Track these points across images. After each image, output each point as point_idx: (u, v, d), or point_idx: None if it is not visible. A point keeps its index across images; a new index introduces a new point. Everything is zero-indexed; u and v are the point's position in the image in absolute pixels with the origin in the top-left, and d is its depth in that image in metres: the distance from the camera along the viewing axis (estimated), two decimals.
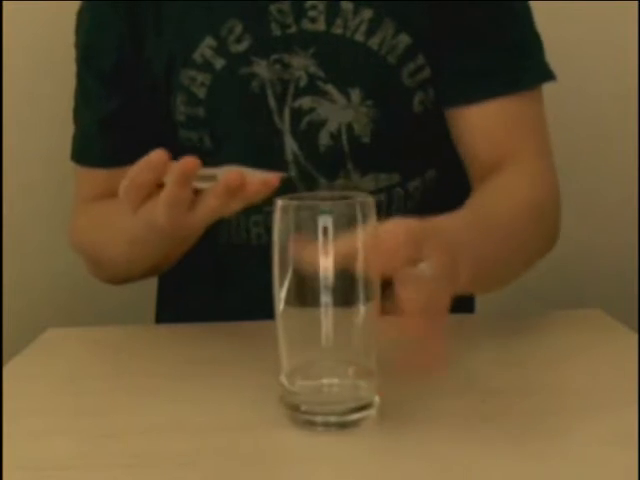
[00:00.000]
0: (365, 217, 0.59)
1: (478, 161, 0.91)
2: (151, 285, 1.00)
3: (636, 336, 0.79)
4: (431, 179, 0.94)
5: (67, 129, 0.98)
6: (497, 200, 0.83)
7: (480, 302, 1.05)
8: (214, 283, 0.97)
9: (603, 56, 1.20)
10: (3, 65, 1.23)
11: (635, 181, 1.26)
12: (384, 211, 0.92)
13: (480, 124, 0.90)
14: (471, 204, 0.82)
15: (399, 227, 0.60)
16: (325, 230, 0.58)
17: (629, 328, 0.82)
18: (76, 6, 0.96)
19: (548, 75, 0.93)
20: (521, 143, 0.90)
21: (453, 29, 0.90)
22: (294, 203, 0.58)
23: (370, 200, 0.59)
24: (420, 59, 0.89)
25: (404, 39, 0.89)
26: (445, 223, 0.67)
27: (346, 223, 0.58)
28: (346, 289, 0.58)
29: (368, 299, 0.59)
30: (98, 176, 0.95)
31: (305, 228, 0.58)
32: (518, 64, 0.91)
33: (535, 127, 0.92)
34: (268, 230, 0.89)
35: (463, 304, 1.01)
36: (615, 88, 1.25)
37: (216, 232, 0.95)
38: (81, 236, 0.95)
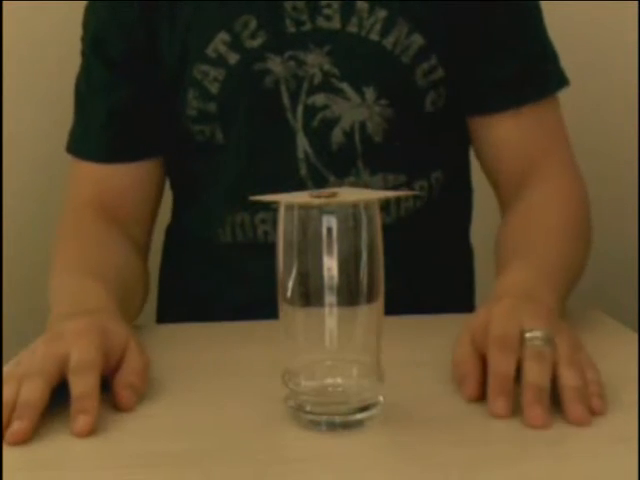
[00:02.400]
0: (369, 217, 0.59)
1: (503, 172, 0.94)
2: (152, 284, 1.00)
3: (636, 336, 0.79)
4: (437, 179, 0.94)
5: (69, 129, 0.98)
6: (537, 229, 0.86)
7: (480, 302, 1.04)
8: (217, 282, 0.97)
9: (603, 56, 1.20)
10: (3, 65, 1.22)
11: (635, 181, 1.26)
12: (393, 208, 0.92)
13: (504, 135, 0.92)
14: (513, 240, 0.86)
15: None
16: (329, 230, 0.58)
17: (629, 328, 0.82)
18: (76, 6, 0.96)
19: (565, 80, 0.94)
20: (547, 152, 0.92)
21: (474, 39, 0.91)
22: (298, 202, 0.58)
23: (374, 201, 0.59)
24: (433, 59, 0.90)
25: (417, 39, 0.89)
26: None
27: (350, 223, 0.58)
28: (350, 289, 0.58)
29: (372, 299, 0.59)
30: (95, 172, 0.94)
31: (309, 227, 0.58)
32: (540, 72, 0.93)
33: (558, 133, 0.94)
34: (275, 227, 0.89)
35: (463, 304, 1.02)
36: (615, 88, 1.25)
37: (218, 233, 0.94)
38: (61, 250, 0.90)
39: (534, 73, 0.92)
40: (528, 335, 0.65)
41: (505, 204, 0.94)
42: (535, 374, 0.62)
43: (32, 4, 1.21)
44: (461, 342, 0.68)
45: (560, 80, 0.94)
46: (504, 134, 0.92)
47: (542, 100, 0.92)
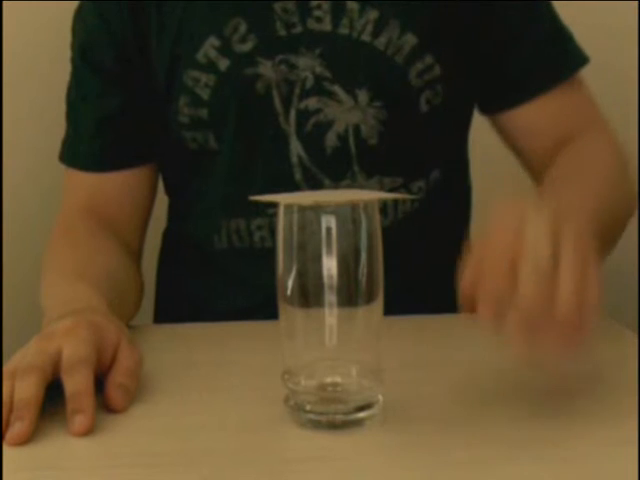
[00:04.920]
0: (369, 217, 0.59)
1: (535, 154, 0.93)
2: (150, 285, 1.00)
3: (636, 336, 0.79)
4: (435, 179, 0.94)
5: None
6: (579, 164, 0.83)
7: None
8: (214, 287, 0.97)
9: (603, 57, 1.20)
10: (3, 65, 1.22)
11: (635, 181, 1.26)
12: (390, 211, 0.92)
13: (531, 121, 0.91)
14: (553, 174, 0.83)
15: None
16: (328, 230, 0.58)
17: (629, 329, 0.82)
18: (76, 6, 0.96)
19: (584, 58, 0.94)
20: (580, 125, 0.91)
21: (476, 35, 0.90)
22: (298, 202, 0.58)
23: (374, 201, 0.59)
24: (428, 59, 0.89)
25: (410, 39, 0.89)
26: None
27: (350, 223, 0.58)
28: (350, 288, 0.59)
29: (372, 299, 0.59)
30: (87, 180, 0.94)
31: (309, 228, 0.58)
32: (556, 54, 0.92)
33: (589, 108, 0.93)
34: (272, 233, 0.89)
35: None
36: (615, 88, 1.25)
37: (213, 239, 0.94)
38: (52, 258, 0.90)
39: (550, 57, 0.92)
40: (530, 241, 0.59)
41: (539, 180, 0.93)
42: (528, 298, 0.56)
43: (32, 4, 1.21)
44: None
45: (578, 59, 0.94)
46: (530, 121, 0.92)
47: (564, 81, 0.92)
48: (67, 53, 0.97)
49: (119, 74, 0.92)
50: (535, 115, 0.92)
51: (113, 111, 0.93)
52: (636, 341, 0.78)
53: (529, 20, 0.92)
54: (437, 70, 0.90)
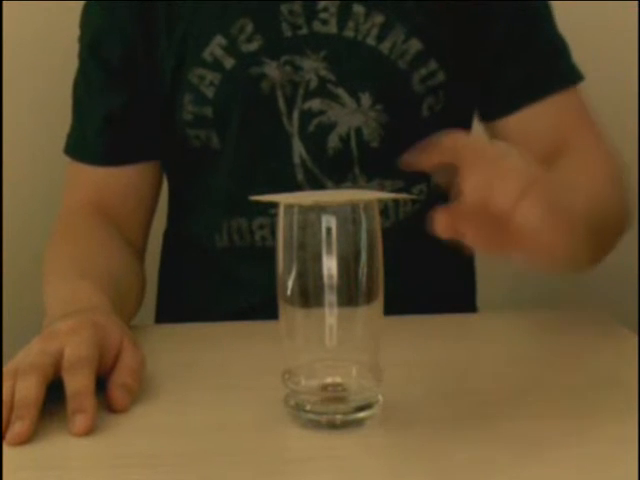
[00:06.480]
0: (369, 218, 0.59)
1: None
2: (151, 285, 1.00)
3: (636, 337, 0.79)
4: (437, 182, 0.94)
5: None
6: (575, 172, 0.82)
7: (481, 302, 1.05)
8: (214, 287, 0.97)
9: (603, 56, 1.21)
10: (3, 65, 1.22)
11: (635, 181, 1.26)
12: (392, 212, 0.92)
13: (525, 130, 0.92)
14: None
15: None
16: (329, 230, 0.58)
17: (629, 329, 0.82)
18: (76, 5, 0.96)
19: (579, 75, 0.95)
20: (572, 136, 0.91)
21: (478, 43, 0.91)
22: (298, 202, 0.58)
23: (374, 201, 0.59)
24: (432, 64, 0.90)
25: (415, 44, 0.89)
26: None
27: (350, 223, 0.58)
28: (350, 288, 0.59)
29: (372, 299, 0.59)
30: (92, 175, 0.94)
31: (309, 228, 0.58)
32: (551, 69, 0.93)
33: (582, 119, 0.93)
34: (273, 233, 0.89)
35: (464, 304, 1.02)
36: (615, 88, 1.26)
37: (214, 238, 0.94)
38: (52, 257, 0.89)
39: (545, 71, 0.92)
40: None
41: None
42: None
43: (32, 3, 1.21)
44: None
45: (572, 76, 0.94)
46: (521, 130, 0.92)
47: (557, 91, 0.92)
48: (67, 49, 0.97)
49: (126, 70, 0.92)
50: (527, 124, 0.92)
51: (118, 107, 0.93)
52: (636, 341, 0.78)
53: (524, 35, 0.92)
54: (441, 76, 0.90)
